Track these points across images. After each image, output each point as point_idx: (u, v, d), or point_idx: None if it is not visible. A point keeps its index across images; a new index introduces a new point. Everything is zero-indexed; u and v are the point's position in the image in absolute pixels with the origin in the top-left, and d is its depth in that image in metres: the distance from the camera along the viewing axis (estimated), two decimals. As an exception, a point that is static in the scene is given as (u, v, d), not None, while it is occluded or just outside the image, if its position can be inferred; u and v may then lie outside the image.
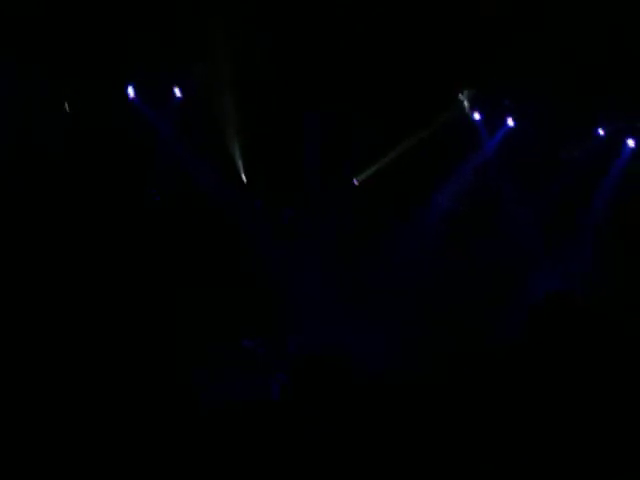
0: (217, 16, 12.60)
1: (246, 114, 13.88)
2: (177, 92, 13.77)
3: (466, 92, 13.90)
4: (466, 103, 14.02)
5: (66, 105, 13.06)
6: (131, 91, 13.41)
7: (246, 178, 14.29)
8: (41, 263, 12.48)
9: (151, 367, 11.32)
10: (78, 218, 13.08)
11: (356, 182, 14.65)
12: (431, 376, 11.39)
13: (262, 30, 12.99)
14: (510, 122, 14.76)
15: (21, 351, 10.89)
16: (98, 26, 12.40)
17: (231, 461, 9.50)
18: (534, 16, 12.08)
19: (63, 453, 8.90)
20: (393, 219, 14.75)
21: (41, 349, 11.06)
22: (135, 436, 9.53)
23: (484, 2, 12.06)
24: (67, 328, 11.66)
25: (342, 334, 13.21)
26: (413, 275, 14.43)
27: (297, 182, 14.70)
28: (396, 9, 12.48)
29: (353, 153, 14.58)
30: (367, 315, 13.63)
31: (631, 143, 14.87)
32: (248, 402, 11.21)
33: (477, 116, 14.66)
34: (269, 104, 13.93)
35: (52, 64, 12.51)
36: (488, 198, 15.06)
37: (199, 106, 13.96)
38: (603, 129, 14.81)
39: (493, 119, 14.76)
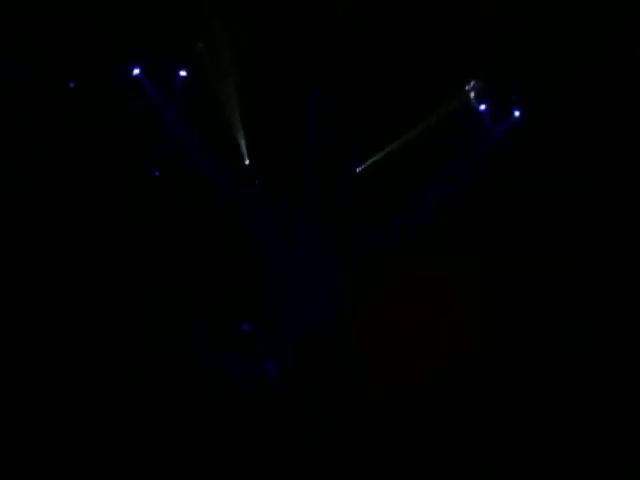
0: (218, 15, 12.63)
1: (245, 102, 13.87)
2: (181, 73, 13.70)
3: (473, 83, 13.80)
4: (472, 95, 13.88)
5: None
6: (136, 71, 13.36)
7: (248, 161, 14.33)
8: (44, 243, 12.57)
9: (146, 356, 11.47)
10: (78, 205, 13.09)
11: (358, 170, 14.69)
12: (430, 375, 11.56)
13: (263, 25, 12.97)
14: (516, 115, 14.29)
15: (32, 332, 11.20)
16: (99, 14, 12.35)
17: (229, 448, 9.68)
18: (533, 15, 12.11)
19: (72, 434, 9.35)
20: (391, 210, 14.70)
21: (52, 331, 11.43)
22: (135, 426, 9.69)
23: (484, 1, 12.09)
24: (71, 315, 11.85)
25: (339, 326, 13.35)
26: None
27: (296, 171, 14.68)
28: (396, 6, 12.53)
29: (353, 144, 14.57)
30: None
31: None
32: (243, 388, 11.38)
33: (482, 107, 14.19)
34: (268, 91, 13.88)
35: (52, 52, 12.45)
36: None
37: (196, 92, 13.91)
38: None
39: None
